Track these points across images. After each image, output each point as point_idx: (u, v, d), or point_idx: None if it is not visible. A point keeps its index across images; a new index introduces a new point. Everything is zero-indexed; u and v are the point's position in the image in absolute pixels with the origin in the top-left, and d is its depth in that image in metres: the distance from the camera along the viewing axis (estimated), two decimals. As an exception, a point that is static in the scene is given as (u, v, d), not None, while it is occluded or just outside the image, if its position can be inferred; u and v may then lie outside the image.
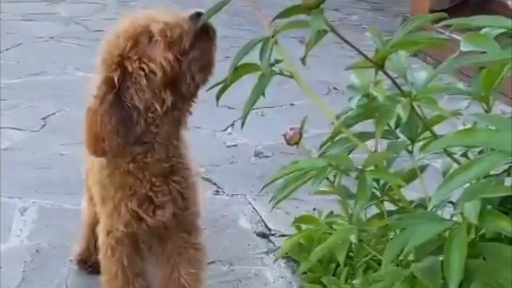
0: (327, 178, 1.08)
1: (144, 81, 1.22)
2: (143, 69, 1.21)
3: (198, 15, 1.19)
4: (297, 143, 1.07)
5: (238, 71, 1.05)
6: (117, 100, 1.23)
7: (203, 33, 1.21)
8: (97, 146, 1.26)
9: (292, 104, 3.00)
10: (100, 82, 1.24)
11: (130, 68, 1.22)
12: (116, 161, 1.32)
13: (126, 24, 1.25)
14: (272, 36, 0.99)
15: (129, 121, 1.24)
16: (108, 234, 1.39)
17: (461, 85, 1.06)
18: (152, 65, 1.20)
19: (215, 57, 1.26)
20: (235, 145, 2.57)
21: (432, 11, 4.07)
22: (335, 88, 3.22)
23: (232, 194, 2.16)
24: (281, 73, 1.03)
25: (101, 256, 1.43)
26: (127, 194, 1.33)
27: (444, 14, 0.93)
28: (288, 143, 1.08)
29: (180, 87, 1.23)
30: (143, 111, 1.24)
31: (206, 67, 1.24)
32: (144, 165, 1.31)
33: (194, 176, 1.42)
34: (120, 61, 1.22)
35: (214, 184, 2.21)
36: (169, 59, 1.20)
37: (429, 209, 0.83)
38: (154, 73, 1.21)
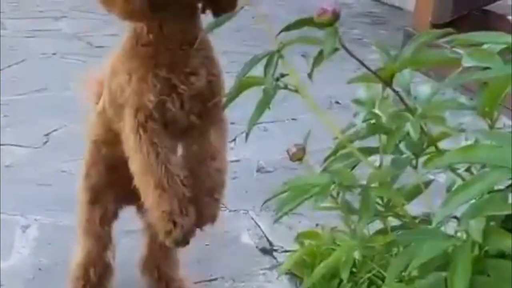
0: (330, 194, 1.07)
1: None
2: None
3: None
4: (300, 159, 1.07)
5: (243, 84, 1.04)
6: None
7: None
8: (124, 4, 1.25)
9: (294, 119, 3.00)
10: None
11: None
12: (137, 33, 1.31)
13: None
14: (278, 51, 0.99)
15: None
16: (136, 114, 1.31)
17: (464, 100, 1.06)
18: None
19: None
20: (238, 160, 2.57)
21: (433, 25, 4.08)
22: (337, 102, 3.23)
23: (235, 210, 2.16)
24: (286, 88, 1.02)
25: (130, 141, 1.33)
26: (153, 63, 1.30)
27: (450, 30, 0.93)
28: (292, 160, 1.07)
29: None
30: None
31: None
32: (163, 36, 1.29)
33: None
34: None
35: (217, 199, 2.21)
36: None
37: (433, 225, 0.83)
38: None
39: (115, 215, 1.60)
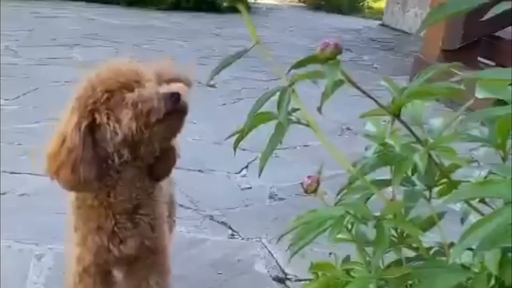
0: (345, 226, 1.07)
1: (108, 135, 1.28)
2: (109, 124, 1.27)
3: (175, 95, 1.26)
4: (315, 192, 1.07)
5: (255, 119, 1.06)
6: (89, 136, 1.29)
7: (174, 111, 1.27)
8: (65, 174, 1.31)
9: (306, 145, 3.01)
10: (78, 119, 1.30)
11: (98, 119, 1.28)
12: (83, 195, 1.38)
13: (109, 74, 1.31)
14: (290, 86, 1.00)
15: (95, 159, 1.30)
16: (78, 262, 1.44)
17: (476, 132, 1.07)
18: (116, 126, 1.27)
19: (179, 132, 1.34)
20: (250, 188, 2.58)
21: (443, 51, 4.10)
22: (348, 129, 3.23)
23: (248, 238, 2.16)
24: (298, 122, 1.03)
25: (70, 280, 1.47)
26: (94, 228, 1.39)
27: (459, 64, 0.94)
28: (306, 192, 1.08)
29: (138, 149, 1.30)
30: (104, 157, 1.31)
31: (167, 139, 1.34)
32: (108, 204, 1.37)
33: (163, 205, 1.49)
34: (92, 109, 1.28)
35: (230, 227, 2.21)
36: (132, 129, 1.25)
37: (449, 262, 0.83)
38: (117, 133, 1.27)
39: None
